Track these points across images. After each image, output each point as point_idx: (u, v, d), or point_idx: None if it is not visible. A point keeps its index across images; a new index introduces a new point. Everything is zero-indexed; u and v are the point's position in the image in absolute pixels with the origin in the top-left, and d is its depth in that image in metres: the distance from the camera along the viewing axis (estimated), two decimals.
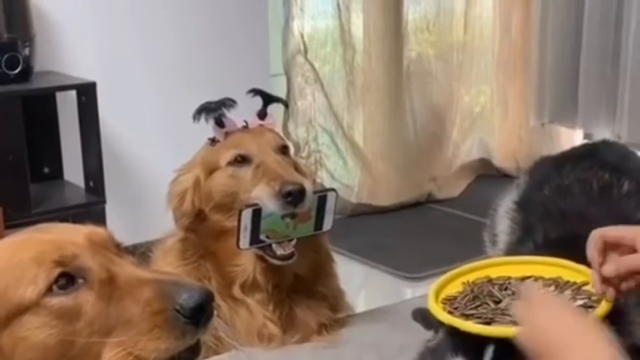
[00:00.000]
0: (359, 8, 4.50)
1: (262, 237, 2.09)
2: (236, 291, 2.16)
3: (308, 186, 2.06)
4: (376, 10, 4.50)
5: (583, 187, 1.96)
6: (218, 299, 2.13)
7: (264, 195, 2.04)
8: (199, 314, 1.18)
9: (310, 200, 2.07)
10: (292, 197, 2.02)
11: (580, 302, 1.52)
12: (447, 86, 4.85)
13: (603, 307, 1.48)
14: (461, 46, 4.91)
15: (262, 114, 2.24)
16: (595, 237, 1.52)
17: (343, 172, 4.61)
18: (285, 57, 4.32)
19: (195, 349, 1.22)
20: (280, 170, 2.08)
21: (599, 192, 1.93)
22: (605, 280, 1.51)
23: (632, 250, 1.48)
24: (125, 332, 1.17)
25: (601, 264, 1.51)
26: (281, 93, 4.08)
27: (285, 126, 4.25)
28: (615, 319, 1.49)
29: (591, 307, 1.50)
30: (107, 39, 3.77)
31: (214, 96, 2.23)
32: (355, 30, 4.50)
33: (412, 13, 4.69)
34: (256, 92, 2.26)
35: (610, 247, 1.51)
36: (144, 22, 3.86)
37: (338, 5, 4.42)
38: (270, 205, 2.03)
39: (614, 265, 1.49)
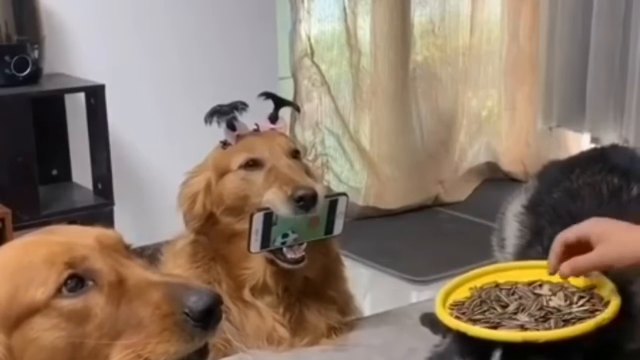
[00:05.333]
0: (365, 11, 4.51)
1: (282, 236, 2.09)
2: (246, 294, 2.16)
3: (320, 191, 2.06)
4: (383, 14, 4.50)
5: (592, 191, 1.96)
6: (228, 302, 2.13)
7: (276, 200, 2.04)
8: (208, 317, 1.18)
9: (322, 205, 2.07)
10: (304, 201, 2.02)
11: (587, 306, 1.53)
12: (454, 90, 4.86)
13: (610, 311, 1.48)
14: (467, 50, 4.91)
15: (273, 118, 2.24)
16: (557, 244, 1.57)
17: (350, 175, 4.61)
18: (292, 60, 4.33)
19: (204, 352, 1.22)
20: (292, 175, 2.08)
21: (608, 195, 1.93)
22: None
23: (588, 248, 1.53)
24: (135, 335, 1.17)
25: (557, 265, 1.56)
26: (288, 96, 4.09)
27: (292, 129, 4.26)
28: (622, 323, 1.49)
29: (598, 310, 1.50)
30: (116, 42, 3.78)
31: (222, 99, 2.23)
32: (361, 34, 4.51)
33: (417, 16, 4.69)
34: (267, 95, 2.26)
35: (573, 248, 1.55)
36: (152, 25, 3.87)
37: (344, 8, 4.43)
38: (282, 209, 2.03)
39: (568, 267, 1.54)
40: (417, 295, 3.58)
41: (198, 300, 1.18)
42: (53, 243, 1.24)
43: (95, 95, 3.39)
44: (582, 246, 1.53)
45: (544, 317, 1.49)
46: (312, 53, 4.37)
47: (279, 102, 2.28)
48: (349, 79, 4.54)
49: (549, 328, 1.47)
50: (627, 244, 1.49)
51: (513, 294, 1.61)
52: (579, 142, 4.83)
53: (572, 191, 2.00)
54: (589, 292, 1.57)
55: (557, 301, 1.55)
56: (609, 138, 4.50)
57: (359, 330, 2.27)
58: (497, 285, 1.65)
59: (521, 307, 1.54)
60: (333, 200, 2.15)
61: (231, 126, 2.17)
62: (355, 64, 4.51)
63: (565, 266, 1.53)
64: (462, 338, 1.51)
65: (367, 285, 3.79)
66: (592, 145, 4.30)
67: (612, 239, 1.50)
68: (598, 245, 1.51)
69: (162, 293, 1.19)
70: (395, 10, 4.53)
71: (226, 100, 2.22)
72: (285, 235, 2.08)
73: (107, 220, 3.30)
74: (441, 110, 4.84)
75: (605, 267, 1.53)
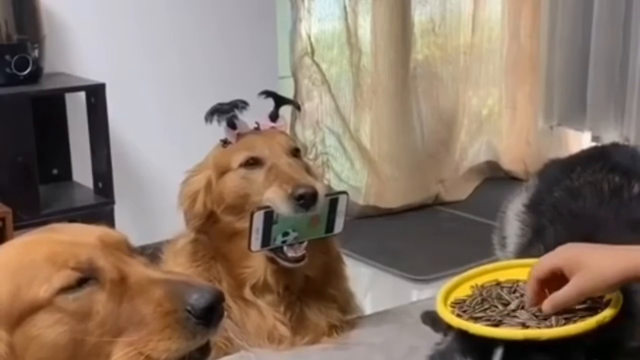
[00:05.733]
0: (366, 10, 4.51)
1: (283, 235, 2.09)
2: (247, 293, 2.16)
3: (320, 189, 2.06)
4: (383, 13, 4.50)
5: (593, 189, 1.95)
6: (229, 301, 2.13)
7: (276, 198, 2.04)
8: (210, 314, 1.18)
9: (322, 203, 2.07)
10: (305, 200, 2.02)
11: (588, 304, 1.53)
12: (455, 89, 4.86)
13: (611, 309, 1.48)
14: (468, 48, 4.91)
15: (273, 116, 2.24)
16: (532, 282, 1.52)
17: (350, 174, 4.62)
18: (292, 59, 4.33)
19: (205, 350, 1.22)
20: (293, 173, 2.08)
21: (609, 194, 1.93)
22: None
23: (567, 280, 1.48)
24: (136, 332, 1.17)
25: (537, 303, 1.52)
26: (288, 95, 4.08)
27: (292, 128, 4.26)
28: (623, 321, 1.49)
29: (599, 308, 1.50)
30: (116, 41, 3.78)
31: (222, 98, 2.23)
32: (362, 33, 4.51)
33: (418, 15, 4.69)
34: (268, 94, 2.26)
35: (550, 281, 1.51)
36: (152, 24, 3.87)
37: (345, 7, 4.43)
38: (283, 207, 2.03)
39: (549, 305, 1.49)
40: (417, 294, 3.58)
41: (200, 298, 1.18)
42: (55, 242, 1.24)
43: (95, 95, 3.39)
44: (558, 277, 1.50)
45: (545, 315, 1.49)
46: (313, 52, 4.37)
47: (279, 101, 2.28)
48: (350, 78, 4.54)
49: (550, 326, 1.46)
50: (602, 270, 1.44)
51: (514, 292, 1.61)
52: (580, 141, 4.83)
53: (573, 190, 2.00)
54: None
55: None
56: (610, 136, 4.51)
57: (360, 328, 2.27)
58: (499, 283, 1.65)
59: (522, 305, 1.54)
60: (333, 199, 2.15)
61: (231, 125, 2.17)
62: (356, 63, 4.51)
63: (547, 304, 1.49)
64: (463, 336, 1.51)
65: (368, 284, 3.79)
66: (593, 144, 4.31)
67: (587, 267, 1.45)
68: (574, 277, 1.46)
69: (164, 290, 1.19)
70: (396, 9, 4.53)
71: (226, 99, 2.22)
72: (285, 234, 2.08)
73: (107, 219, 3.30)
74: (442, 109, 4.84)
75: (586, 297, 1.50)
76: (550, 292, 1.49)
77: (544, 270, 1.51)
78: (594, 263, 1.46)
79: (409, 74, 4.66)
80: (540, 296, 1.51)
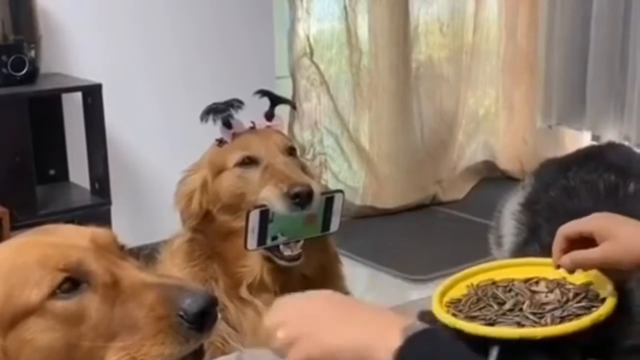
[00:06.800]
0: (365, 10, 4.51)
1: (274, 235, 2.09)
2: (243, 292, 2.16)
3: (316, 188, 2.07)
4: (382, 13, 4.50)
5: (589, 189, 1.96)
6: (225, 300, 2.13)
7: (272, 197, 2.05)
8: (203, 319, 1.18)
9: (318, 202, 2.07)
10: (300, 198, 2.03)
11: (584, 302, 1.53)
12: (456, 89, 4.86)
13: (606, 307, 1.48)
14: (470, 48, 4.91)
15: (269, 115, 2.25)
16: (558, 237, 1.53)
17: (348, 174, 4.62)
18: (290, 60, 4.33)
19: (199, 354, 1.22)
20: (288, 172, 2.08)
21: (605, 193, 1.93)
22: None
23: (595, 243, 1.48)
24: (129, 337, 1.17)
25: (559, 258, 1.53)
26: (285, 95, 4.07)
27: (290, 128, 4.26)
28: (618, 319, 1.49)
29: (594, 307, 1.50)
30: (113, 41, 3.78)
31: (219, 98, 2.23)
32: (362, 33, 4.51)
33: (423, 15, 4.69)
34: (264, 93, 2.26)
35: (575, 243, 1.51)
36: (149, 25, 3.87)
37: (345, 7, 4.43)
38: (278, 206, 2.04)
39: (568, 259, 1.51)
40: (415, 294, 3.57)
41: (193, 302, 1.18)
42: (47, 244, 1.24)
43: (92, 95, 3.39)
44: (586, 241, 1.49)
45: (541, 314, 1.49)
46: (312, 52, 4.37)
47: (275, 100, 2.28)
48: (349, 78, 4.54)
49: (546, 325, 1.46)
50: (631, 245, 1.43)
51: (510, 291, 1.60)
52: (577, 141, 4.83)
53: (568, 189, 2.00)
54: (586, 288, 1.57)
55: (553, 298, 1.55)
56: (610, 136, 4.51)
57: None
58: (494, 282, 1.65)
59: (518, 304, 1.54)
60: (329, 198, 2.15)
61: (227, 124, 2.18)
62: (356, 63, 4.51)
63: (565, 258, 1.51)
64: (459, 335, 1.51)
65: (365, 283, 3.79)
66: (591, 144, 4.31)
67: (617, 237, 1.45)
68: (603, 243, 1.46)
69: (157, 295, 1.19)
70: (396, 9, 4.53)
71: (223, 99, 2.22)
72: (274, 238, 2.09)
73: (104, 219, 3.30)
74: (443, 110, 4.85)
75: (609, 266, 1.49)
76: None
77: (572, 230, 1.52)
78: (625, 235, 1.45)
79: (410, 74, 4.66)
80: (563, 253, 1.52)
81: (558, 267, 1.56)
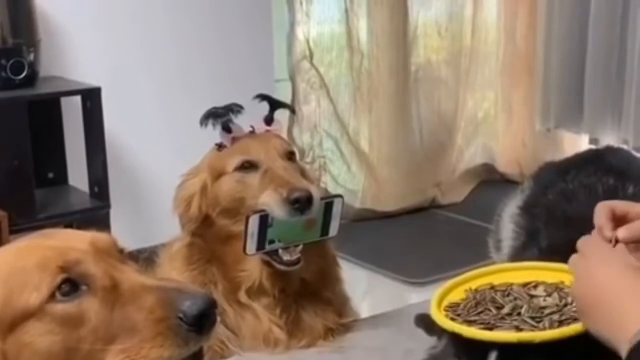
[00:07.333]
0: (365, 13, 4.51)
1: (274, 240, 2.10)
2: (242, 296, 2.17)
3: (315, 193, 2.07)
4: (382, 15, 4.51)
5: (588, 192, 1.96)
6: (224, 304, 2.13)
7: (271, 202, 2.05)
8: (202, 321, 1.18)
9: (317, 207, 2.08)
10: (300, 203, 2.03)
11: None
12: (455, 92, 4.86)
13: None
14: (468, 51, 4.91)
15: (268, 120, 2.25)
16: (604, 207, 1.43)
17: (347, 177, 4.62)
18: (290, 63, 4.34)
19: (198, 356, 1.22)
20: (288, 177, 2.08)
21: (604, 196, 1.93)
22: None
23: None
24: (129, 339, 1.17)
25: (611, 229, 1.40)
26: (285, 98, 4.08)
27: (290, 132, 4.26)
28: None
29: None
30: (112, 44, 3.78)
31: (218, 101, 2.24)
32: (363, 36, 4.51)
33: (422, 18, 4.69)
34: (263, 97, 2.26)
35: (616, 220, 1.41)
36: (148, 28, 3.87)
37: (346, 10, 4.43)
38: (278, 211, 2.04)
39: (627, 230, 1.38)
40: (414, 297, 3.58)
41: (192, 305, 1.18)
42: (46, 247, 1.24)
43: (91, 98, 3.39)
44: (622, 221, 1.39)
45: (539, 318, 1.49)
46: (311, 55, 4.37)
47: (275, 104, 2.28)
48: (349, 81, 4.54)
49: (544, 328, 1.47)
50: None
51: (508, 295, 1.60)
52: (576, 144, 4.84)
53: (567, 192, 2.00)
54: None
55: (552, 302, 1.55)
56: (608, 139, 4.51)
57: (356, 332, 2.27)
58: (492, 286, 1.65)
59: (516, 308, 1.54)
60: (328, 202, 2.15)
61: (226, 128, 2.18)
62: (357, 66, 4.51)
63: (623, 230, 1.37)
64: (457, 340, 1.51)
65: (364, 287, 3.79)
66: (590, 147, 4.31)
67: None
68: None
69: (156, 297, 1.19)
70: (395, 11, 4.53)
71: (223, 103, 2.22)
72: (271, 242, 2.09)
73: (103, 223, 3.30)
74: (442, 112, 4.85)
75: None
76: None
77: (620, 208, 1.42)
78: None
79: (410, 77, 4.66)
80: (610, 225, 1.40)
81: (614, 241, 1.40)
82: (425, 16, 4.74)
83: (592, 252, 1.36)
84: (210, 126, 2.18)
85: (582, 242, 1.42)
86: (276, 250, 2.11)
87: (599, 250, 1.37)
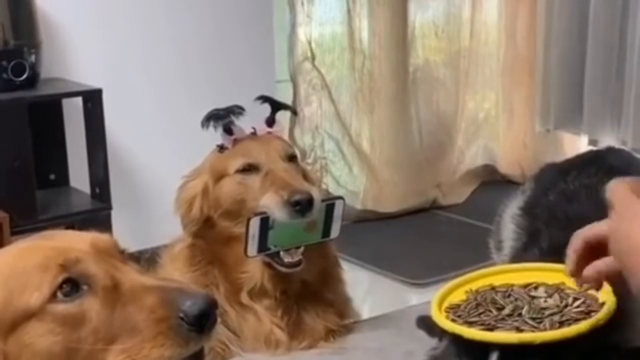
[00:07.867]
0: (367, 14, 4.50)
1: (275, 242, 2.10)
2: (244, 297, 2.17)
3: (316, 195, 2.07)
4: (383, 16, 4.50)
5: (589, 193, 1.96)
6: (226, 306, 2.14)
7: (272, 204, 2.05)
8: (203, 321, 1.18)
9: (318, 209, 2.08)
10: (301, 206, 2.03)
11: (582, 307, 1.53)
12: (454, 93, 4.86)
13: (605, 312, 1.49)
14: (467, 52, 4.91)
15: (270, 122, 2.25)
16: (576, 241, 1.40)
17: (348, 179, 4.61)
18: (291, 64, 4.33)
19: (199, 356, 1.22)
20: (289, 179, 2.09)
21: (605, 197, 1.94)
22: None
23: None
24: (130, 339, 1.17)
25: (578, 271, 1.39)
26: (286, 100, 4.08)
27: (291, 133, 4.26)
28: (617, 323, 1.49)
29: (593, 311, 1.50)
30: (113, 46, 3.78)
31: (219, 102, 2.24)
32: (364, 37, 4.50)
33: (419, 19, 4.69)
34: (265, 99, 2.27)
35: (593, 248, 1.38)
36: (149, 29, 3.87)
37: (349, 11, 4.42)
38: (279, 213, 2.04)
39: (593, 270, 1.36)
40: (415, 299, 3.57)
41: (193, 305, 1.18)
42: (47, 248, 1.24)
43: (92, 100, 3.39)
44: (600, 248, 1.36)
45: (540, 319, 1.50)
46: (313, 57, 4.37)
47: (276, 106, 2.29)
48: (351, 82, 4.54)
49: (545, 330, 1.47)
50: None
51: (509, 296, 1.61)
52: (576, 145, 4.83)
53: (568, 193, 2.01)
54: (584, 293, 1.57)
55: (552, 303, 1.55)
56: (607, 140, 4.50)
57: (357, 333, 2.28)
58: (493, 287, 1.65)
59: (517, 309, 1.54)
60: (330, 204, 2.15)
61: (228, 130, 2.18)
62: (359, 68, 4.50)
63: (589, 269, 1.36)
64: (458, 341, 1.51)
65: (365, 288, 3.79)
66: (590, 148, 4.31)
67: None
68: None
69: (157, 297, 1.19)
70: (396, 12, 4.53)
71: (224, 104, 2.22)
72: (274, 245, 2.09)
73: (104, 224, 3.30)
74: (442, 113, 4.84)
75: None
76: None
77: (592, 235, 1.38)
78: None
79: (409, 78, 4.66)
80: (581, 263, 1.38)
81: (577, 279, 1.42)
82: (423, 17, 4.74)
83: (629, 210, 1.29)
84: (211, 128, 2.19)
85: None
86: (277, 253, 2.11)
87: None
